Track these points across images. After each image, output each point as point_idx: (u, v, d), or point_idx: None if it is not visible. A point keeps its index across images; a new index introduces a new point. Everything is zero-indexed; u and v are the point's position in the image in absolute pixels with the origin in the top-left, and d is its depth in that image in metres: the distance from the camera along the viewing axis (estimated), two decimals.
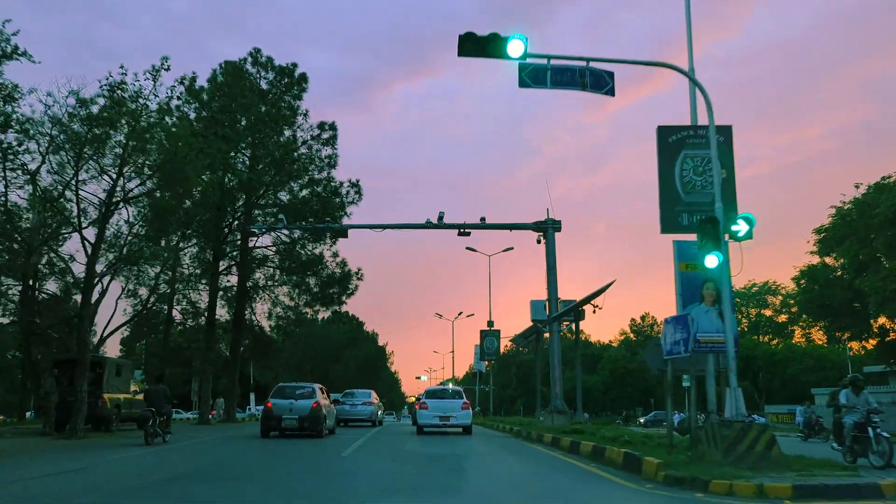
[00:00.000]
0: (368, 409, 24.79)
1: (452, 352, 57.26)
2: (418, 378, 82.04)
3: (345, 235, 26.12)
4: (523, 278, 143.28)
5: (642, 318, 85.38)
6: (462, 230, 23.83)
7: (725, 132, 10.58)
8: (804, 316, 70.69)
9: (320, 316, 66.60)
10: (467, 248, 38.09)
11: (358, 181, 29.48)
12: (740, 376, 9.60)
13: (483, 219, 23.87)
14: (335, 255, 29.97)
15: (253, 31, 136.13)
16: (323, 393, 17.29)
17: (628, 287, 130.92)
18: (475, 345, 44.18)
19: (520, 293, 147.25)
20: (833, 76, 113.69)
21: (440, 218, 23.55)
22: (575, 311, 23.47)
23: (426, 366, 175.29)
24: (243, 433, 19.38)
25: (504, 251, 39.77)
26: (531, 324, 28.18)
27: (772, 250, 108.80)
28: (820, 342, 64.48)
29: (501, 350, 49.48)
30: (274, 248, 30.25)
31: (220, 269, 28.64)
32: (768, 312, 78.40)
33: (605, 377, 74.21)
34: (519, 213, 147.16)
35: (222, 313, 30.63)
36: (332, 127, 29.34)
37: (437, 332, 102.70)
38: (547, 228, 23.64)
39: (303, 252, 29.78)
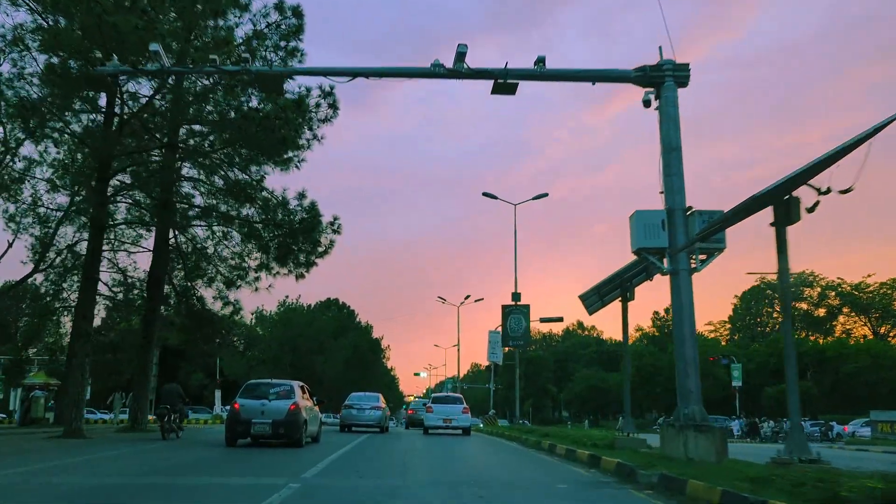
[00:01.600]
0: (377, 413, 24.99)
1: (458, 345, 55.51)
2: (417, 375, 79.61)
3: (280, 92, 16.70)
4: (559, 253, 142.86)
5: (666, 311, 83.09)
6: (500, 80, 12.25)
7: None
8: (845, 310, 70.22)
9: (292, 297, 63.89)
10: (485, 195, 32.86)
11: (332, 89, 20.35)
12: None
13: (541, 61, 12.12)
14: (301, 196, 22.19)
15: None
16: (304, 392, 15.60)
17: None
18: (489, 331, 39.08)
19: (552, 267, 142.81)
20: (837, 79, 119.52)
21: (459, 58, 12.17)
22: (748, 212, 9.81)
23: (426, 362, 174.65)
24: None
25: (536, 198, 33.21)
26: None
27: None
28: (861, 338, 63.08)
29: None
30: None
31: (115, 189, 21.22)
32: (803, 306, 76.99)
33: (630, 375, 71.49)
34: (518, 218, 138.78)
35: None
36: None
37: (438, 325, 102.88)
38: (662, 78, 12.01)
39: (241, 176, 22.48)
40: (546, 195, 33.14)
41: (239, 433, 14.35)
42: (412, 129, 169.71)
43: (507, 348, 36.60)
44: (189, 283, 25.25)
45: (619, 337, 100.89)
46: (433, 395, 40.29)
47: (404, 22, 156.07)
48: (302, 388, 15.59)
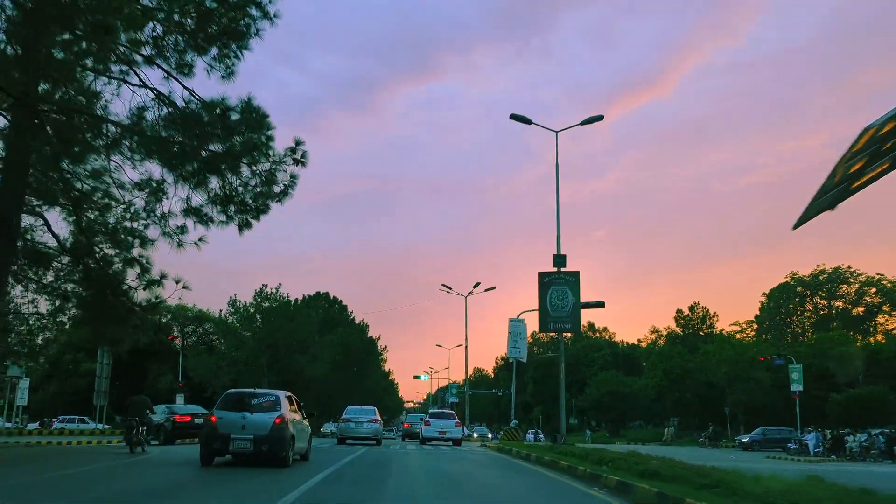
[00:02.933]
0: (374, 426, 28.54)
1: (466, 342, 50.04)
2: (417, 377, 77.38)
3: None
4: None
5: (691, 308, 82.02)
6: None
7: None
8: (886, 308, 69.04)
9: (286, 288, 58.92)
10: (514, 118, 26.23)
11: None
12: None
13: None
14: (247, 105, 15.67)
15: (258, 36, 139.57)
16: (291, 404, 14.79)
17: (628, 293, 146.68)
18: (509, 320, 32.06)
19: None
20: (836, 85, 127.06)
21: None
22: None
23: (428, 365, 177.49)
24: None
25: (586, 122, 26.18)
26: None
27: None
28: None
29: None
30: None
31: None
32: (839, 304, 76.26)
33: (658, 379, 69.39)
34: (519, 219, 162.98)
35: None
36: None
37: (441, 325, 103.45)
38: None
39: None
40: (601, 117, 27.11)
41: (216, 450, 13.52)
42: (415, 133, 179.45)
43: (544, 335, 33.78)
44: (83, 238, 17.58)
45: (632, 339, 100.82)
46: (430, 410, 44.72)
47: (406, 28, 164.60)
48: (289, 398, 14.76)
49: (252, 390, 14.77)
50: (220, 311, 59.14)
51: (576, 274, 25.00)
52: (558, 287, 24.31)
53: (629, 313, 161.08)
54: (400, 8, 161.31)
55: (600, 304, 28.34)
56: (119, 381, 54.38)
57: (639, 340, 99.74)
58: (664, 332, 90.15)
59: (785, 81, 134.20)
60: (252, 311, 56.33)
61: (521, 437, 28.76)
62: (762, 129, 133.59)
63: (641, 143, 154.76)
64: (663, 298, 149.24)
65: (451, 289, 45.40)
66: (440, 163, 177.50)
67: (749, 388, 55.54)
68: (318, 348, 57.06)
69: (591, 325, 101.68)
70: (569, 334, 29.02)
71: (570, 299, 24.34)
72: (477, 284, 44.11)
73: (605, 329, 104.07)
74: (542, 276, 24.84)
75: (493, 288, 45.07)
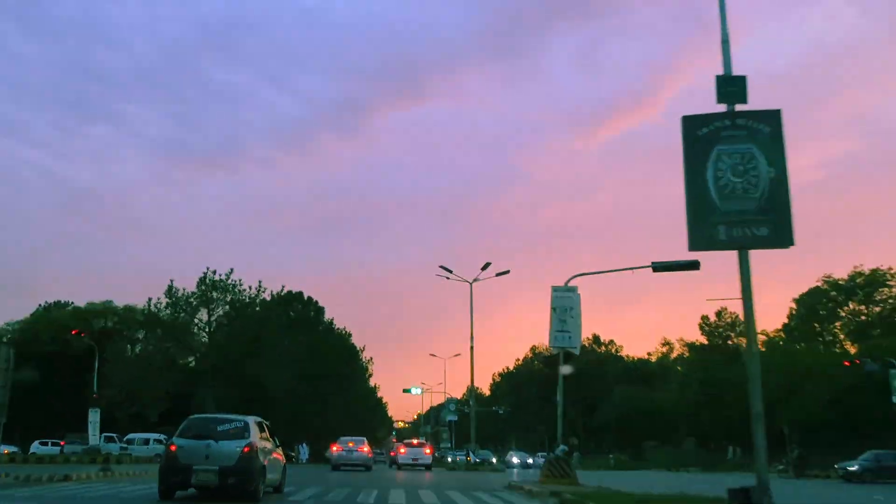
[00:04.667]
0: (364, 455, 34.92)
1: (471, 344, 41.72)
2: (407, 391, 71.27)
3: None
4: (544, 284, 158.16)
5: (718, 315, 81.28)
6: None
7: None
8: None
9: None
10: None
11: None
12: None
13: None
14: None
15: (246, 55, 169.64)
16: (262, 430, 14.70)
17: (628, 309, 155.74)
18: (553, 288, 21.92)
19: (540, 298, 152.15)
20: (822, 108, 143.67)
21: None
22: None
23: (420, 379, 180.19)
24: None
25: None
26: None
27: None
28: None
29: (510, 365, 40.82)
30: None
31: None
32: (877, 309, 75.89)
33: (693, 393, 66.85)
34: (506, 241, 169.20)
35: None
36: None
37: (434, 339, 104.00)
38: None
39: None
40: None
41: (177, 483, 13.48)
42: (403, 155, 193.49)
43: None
44: None
45: (641, 354, 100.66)
46: (405, 441, 48.84)
47: (393, 49, 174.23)
48: (259, 424, 14.69)
49: (216, 415, 14.68)
50: (150, 299, 51.90)
51: None
52: None
53: (634, 328, 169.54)
54: (390, 30, 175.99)
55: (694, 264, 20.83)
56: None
57: (649, 354, 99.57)
58: (676, 344, 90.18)
59: (772, 100, 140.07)
60: (194, 302, 50.67)
61: (573, 473, 20.52)
62: None
63: (629, 161, 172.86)
64: (663, 314, 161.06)
65: (451, 272, 39.25)
66: (429, 183, 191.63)
67: (806, 403, 51.52)
68: (278, 352, 52.02)
69: (595, 338, 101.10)
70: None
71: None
72: (486, 265, 37.78)
73: (611, 342, 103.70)
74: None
75: (507, 272, 38.90)
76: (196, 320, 50.76)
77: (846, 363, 49.03)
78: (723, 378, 60.39)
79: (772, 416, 54.53)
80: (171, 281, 51.73)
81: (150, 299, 52.82)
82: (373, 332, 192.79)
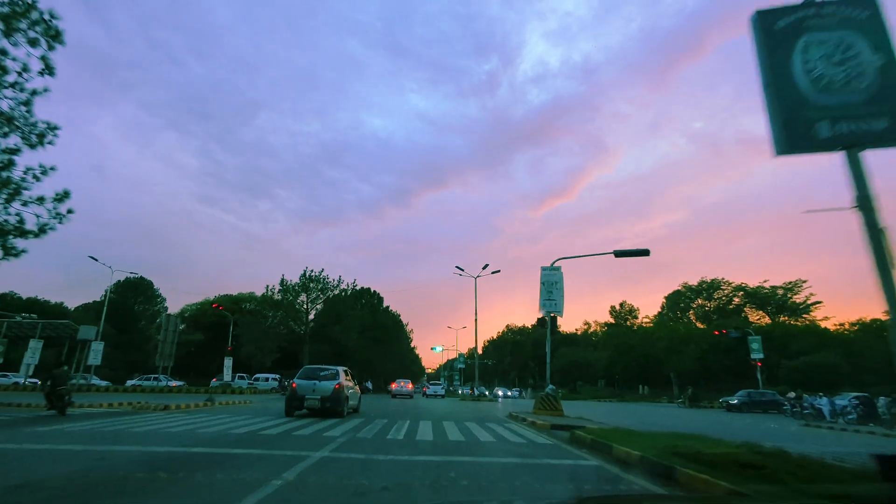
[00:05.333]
0: (409, 390, 38.05)
1: (475, 318, 41.99)
2: (433, 349, 68.38)
3: None
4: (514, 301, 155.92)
5: (622, 305, 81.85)
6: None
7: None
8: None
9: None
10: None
11: None
12: None
13: None
14: None
15: (347, 163, 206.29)
16: (347, 375, 14.82)
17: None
18: (542, 268, 18.85)
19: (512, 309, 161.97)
20: (667, 192, 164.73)
21: None
22: None
23: (443, 341, 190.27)
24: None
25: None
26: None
27: None
28: None
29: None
30: None
31: None
32: (712, 304, 74.59)
33: (610, 352, 64.82)
34: (491, 266, 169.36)
35: None
36: None
37: (456, 305, 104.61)
38: None
39: None
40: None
41: (295, 406, 13.59)
42: (430, 216, 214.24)
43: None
44: None
45: (571, 330, 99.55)
46: (431, 381, 53.02)
47: (427, 159, 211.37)
48: (345, 371, 14.86)
49: (320, 366, 15.04)
50: (268, 287, 50.86)
51: None
52: None
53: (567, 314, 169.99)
54: (413, 143, 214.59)
55: (646, 252, 19.04)
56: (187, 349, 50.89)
57: (576, 330, 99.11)
58: (593, 324, 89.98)
59: (638, 190, 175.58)
60: (298, 289, 48.52)
61: (560, 407, 16.88)
62: (625, 218, 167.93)
63: (559, 225, 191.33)
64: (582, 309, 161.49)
65: (463, 270, 39.00)
66: (444, 234, 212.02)
67: (682, 359, 50.58)
68: (350, 319, 50.46)
69: (540, 321, 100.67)
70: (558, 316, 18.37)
71: None
72: (485, 266, 37.87)
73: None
74: None
75: (498, 271, 39.16)
76: (299, 301, 49.22)
77: (716, 332, 45.70)
78: (626, 343, 61.53)
79: (660, 367, 53.89)
80: (283, 275, 51.25)
81: (267, 286, 52.56)
82: (416, 315, 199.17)
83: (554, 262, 19.14)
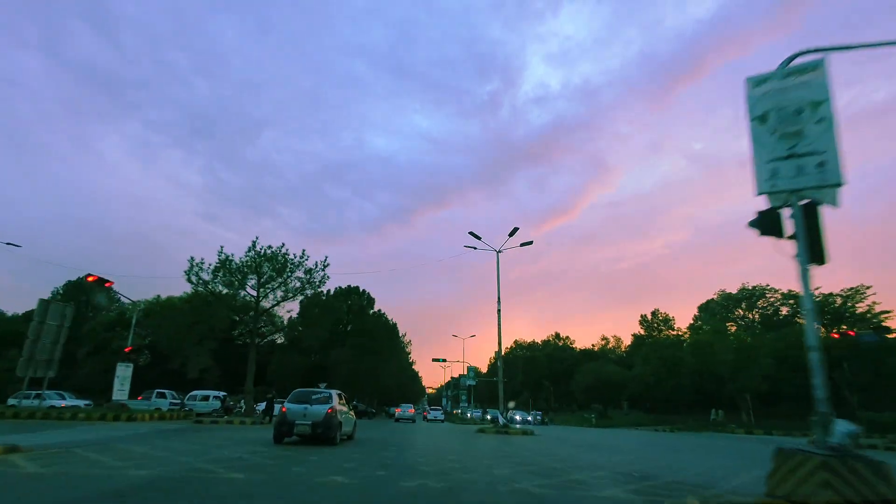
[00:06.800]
0: (411, 414, 39.90)
1: (498, 307, 25.63)
2: (436, 360, 60.12)
3: None
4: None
5: (653, 313, 75.40)
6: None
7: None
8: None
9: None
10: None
11: None
12: None
13: None
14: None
15: (348, 182, 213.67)
16: (340, 399, 14.23)
17: (559, 327, 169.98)
18: (748, 80, 8.04)
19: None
20: (669, 213, 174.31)
21: None
22: None
23: (446, 354, 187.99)
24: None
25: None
26: None
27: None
28: None
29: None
30: None
31: None
32: (754, 315, 70.25)
33: (654, 367, 53.28)
34: (490, 286, 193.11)
35: None
36: None
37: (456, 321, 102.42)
38: None
39: None
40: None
41: (284, 433, 13.33)
42: (432, 236, 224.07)
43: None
44: None
45: (586, 345, 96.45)
46: (432, 406, 57.28)
47: (429, 179, 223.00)
48: (339, 395, 14.45)
49: (312, 389, 14.24)
50: (191, 264, 29.78)
51: None
52: None
53: (571, 330, 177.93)
54: (420, 163, 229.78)
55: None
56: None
57: (592, 345, 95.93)
58: (612, 339, 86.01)
59: (640, 211, 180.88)
60: (246, 269, 29.33)
61: None
62: (627, 237, 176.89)
63: (560, 244, 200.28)
64: (585, 329, 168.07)
65: (480, 238, 27.35)
66: (446, 251, 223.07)
67: (751, 375, 42.08)
68: (324, 321, 41.19)
69: (556, 335, 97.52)
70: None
71: None
72: (514, 231, 26.25)
73: (567, 337, 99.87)
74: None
75: (531, 242, 27.43)
76: (245, 291, 30.50)
77: (850, 332, 37.11)
78: (676, 356, 50.83)
79: (723, 386, 44.90)
80: (221, 247, 31.88)
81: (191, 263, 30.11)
82: (417, 325, 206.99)
83: (790, 61, 7.99)
